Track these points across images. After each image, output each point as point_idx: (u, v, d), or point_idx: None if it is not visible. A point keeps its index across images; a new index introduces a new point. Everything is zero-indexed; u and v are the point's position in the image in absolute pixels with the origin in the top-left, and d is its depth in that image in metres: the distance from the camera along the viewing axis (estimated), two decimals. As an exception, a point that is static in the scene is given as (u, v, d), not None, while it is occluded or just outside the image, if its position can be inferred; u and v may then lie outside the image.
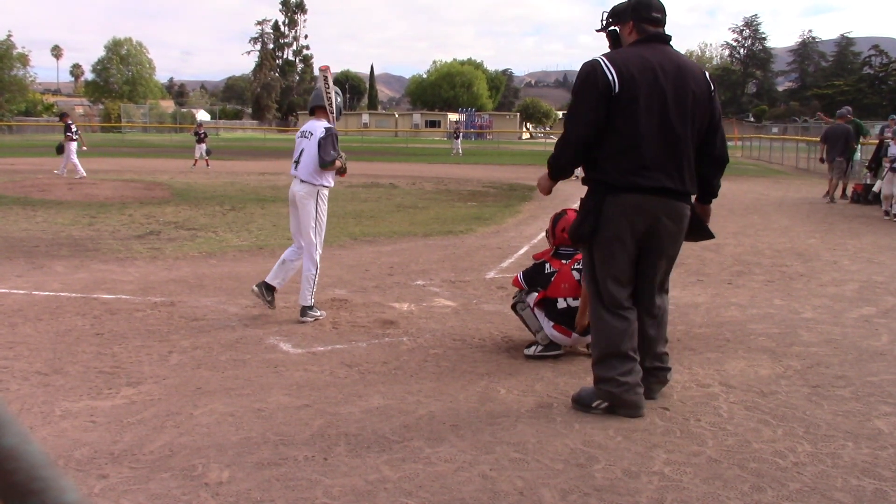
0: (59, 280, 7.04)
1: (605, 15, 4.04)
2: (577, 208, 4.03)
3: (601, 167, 3.82)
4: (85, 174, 19.43)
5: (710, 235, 4.21)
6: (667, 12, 3.91)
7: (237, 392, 4.07)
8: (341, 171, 5.93)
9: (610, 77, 3.67)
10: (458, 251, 9.15)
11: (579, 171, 4.07)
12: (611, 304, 3.89)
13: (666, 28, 3.98)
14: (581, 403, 3.91)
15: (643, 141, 3.70)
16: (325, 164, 5.64)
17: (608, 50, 4.00)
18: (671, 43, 3.92)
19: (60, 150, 20.51)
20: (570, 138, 3.82)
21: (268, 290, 5.80)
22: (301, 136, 5.87)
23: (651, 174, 3.73)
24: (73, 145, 20.21)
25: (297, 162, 5.83)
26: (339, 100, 5.90)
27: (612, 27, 4.01)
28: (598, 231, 3.81)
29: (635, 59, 3.74)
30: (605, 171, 3.80)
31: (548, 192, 4.23)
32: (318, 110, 5.89)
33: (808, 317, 5.91)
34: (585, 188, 4.01)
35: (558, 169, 4.00)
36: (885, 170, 12.48)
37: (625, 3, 3.95)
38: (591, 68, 3.74)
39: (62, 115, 22.28)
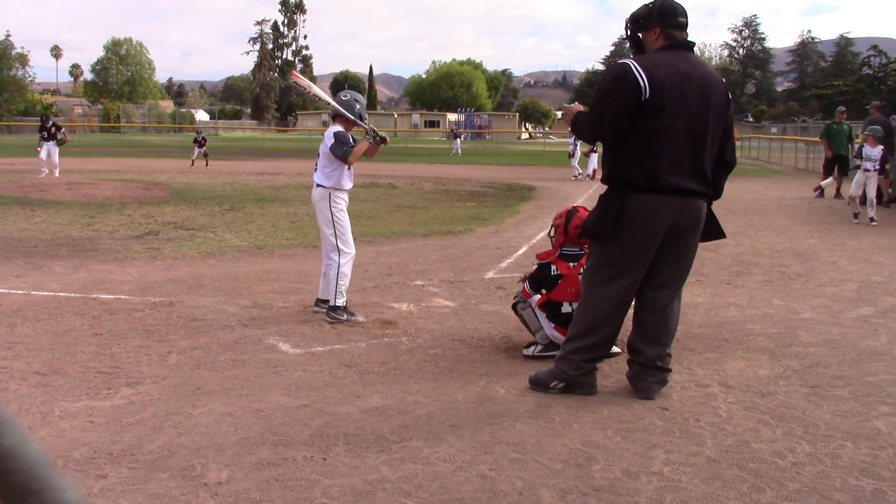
0: (57, 280, 7.04)
1: (628, 22, 4.08)
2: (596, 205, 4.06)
3: (624, 167, 3.88)
4: (44, 174, 19.49)
5: (722, 234, 4.30)
6: (688, 16, 3.97)
7: (236, 392, 4.07)
8: (382, 141, 5.83)
9: (641, 82, 3.73)
10: (457, 251, 9.15)
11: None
12: (611, 302, 3.97)
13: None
14: (539, 384, 4.10)
15: (667, 144, 3.78)
16: (343, 158, 5.63)
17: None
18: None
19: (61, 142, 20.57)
20: (599, 135, 3.97)
21: (324, 303, 5.84)
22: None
23: (674, 176, 3.80)
24: (46, 144, 20.25)
25: (316, 165, 5.86)
26: (357, 106, 5.86)
27: (636, 33, 4.05)
28: (617, 229, 3.85)
29: (664, 65, 3.81)
30: (629, 172, 3.86)
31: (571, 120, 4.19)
32: (336, 117, 5.89)
33: (806, 317, 5.91)
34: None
35: (579, 133, 4.12)
36: (860, 170, 12.44)
37: (646, 8, 3.99)
38: (622, 71, 3.80)
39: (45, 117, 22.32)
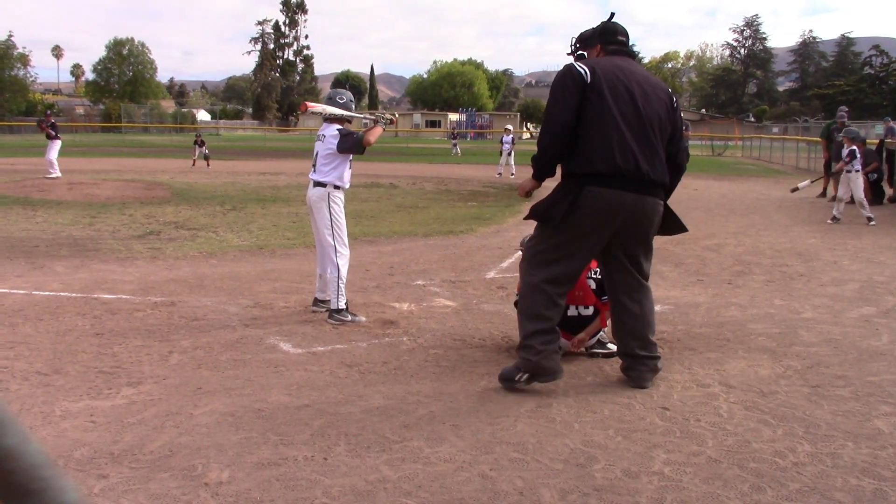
0: (59, 280, 7.05)
1: (574, 41, 4.42)
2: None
3: (575, 156, 3.99)
4: (58, 174, 19.21)
5: (683, 229, 4.43)
6: (629, 36, 4.31)
7: (237, 392, 4.07)
8: (390, 122, 6.01)
9: (582, 70, 3.97)
10: (459, 251, 9.16)
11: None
12: (554, 284, 4.06)
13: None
14: (506, 380, 4.16)
15: (616, 127, 3.91)
16: (358, 143, 5.64)
17: None
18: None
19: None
20: (552, 126, 4.02)
21: (323, 303, 5.87)
22: (316, 140, 5.91)
23: (625, 156, 3.91)
24: (53, 143, 19.92)
25: (313, 165, 5.86)
26: (343, 100, 5.91)
27: (580, 52, 4.37)
28: (568, 219, 3.94)
29: (604, 61, 4.12)
30: (580, 160, 3.97)
31: (527, 194, 4.38)
32: (333, 118, 5.90)
33: (808, 317, 5.91)
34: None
35: (546, 161, 4.11)
36: (843, 172, 12.38)
37: (591, 30, 4.35)
38: (565, 68, 4.10)
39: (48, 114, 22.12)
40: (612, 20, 4.33)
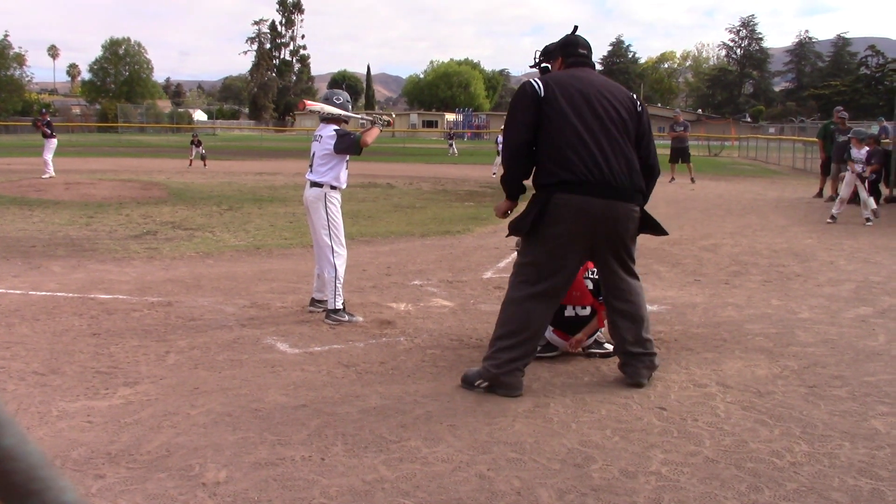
0: (55, 280, 7.03)
1: (538, 53, 4.51)
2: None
3: (541, 168, 4.04)
4: (52, 174, 18.99)
5: (663, 232, 4.43)
6: (591, 48, 4.38)
7: (234, 392, 4.07)
8: (388, 124, 6.09)
9: (536, 86, 4.04)
10: (456, 251, 9.16)
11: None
12: (538, 300, 4.06)
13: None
14: (467, 382, 4.18)
15: (575, 135, 3.94)
16: (354, 144, 5.65)
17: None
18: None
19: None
20: (511, 147, 4.11)
21: (320, 303, 5.87)
22: (313, 140, 5.91)
23: (586, 162, 3.92)
24: (48, 142, 19.75)
25: (310, 166, 5.86)
26: (340, 101, 5.93)
27: (543, 64, 4.46)
28: (539, 227, 3.97)
29: (560, 73, 4.21)
30: (545, 171, 4.00)
31: (504, 214, 4.42)
32: (330, 119, 5.92)
33: (804, 317, 5.92)
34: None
35: (512, 179, 4.19)
36: (848, 172, 12.44)
37: (555, 43, 4.42)
38: (521, 86, 4.18)
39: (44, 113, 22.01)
40: (575, 33, 4.39)
